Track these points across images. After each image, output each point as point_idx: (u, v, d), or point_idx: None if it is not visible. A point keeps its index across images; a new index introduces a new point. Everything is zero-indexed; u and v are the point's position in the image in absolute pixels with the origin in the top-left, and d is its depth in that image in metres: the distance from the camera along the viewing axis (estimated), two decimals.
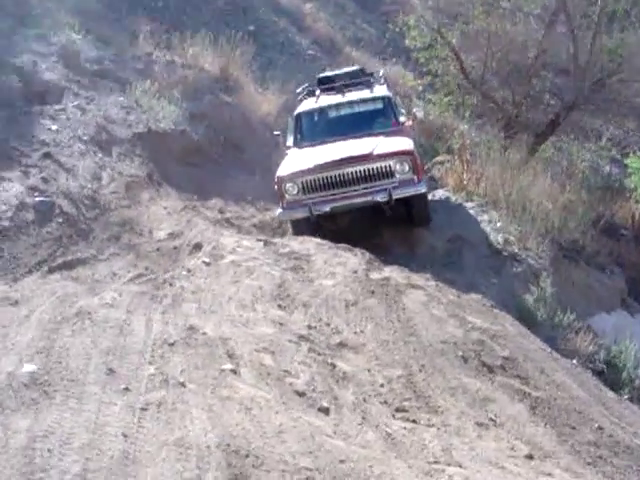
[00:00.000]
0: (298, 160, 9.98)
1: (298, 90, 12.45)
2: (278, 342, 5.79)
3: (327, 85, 11.71)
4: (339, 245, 8.76)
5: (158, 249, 8.35)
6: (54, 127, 10.82)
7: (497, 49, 15.72)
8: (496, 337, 6.72)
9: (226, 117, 14.83)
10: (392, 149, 9.67)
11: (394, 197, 9.39)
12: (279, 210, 9.78)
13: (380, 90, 11.36)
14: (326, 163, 9.49)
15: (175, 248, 8.38)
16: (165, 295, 6.66)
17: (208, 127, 14.22)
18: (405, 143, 9.93)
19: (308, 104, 11.51)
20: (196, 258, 7.92)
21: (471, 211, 11.62)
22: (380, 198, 9.41)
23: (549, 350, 7.26)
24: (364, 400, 5.28)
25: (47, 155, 9.43)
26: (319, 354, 5.82)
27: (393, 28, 17.51)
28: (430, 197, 12.87)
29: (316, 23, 28.01)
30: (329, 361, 5.74)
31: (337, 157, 9.53)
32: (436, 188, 13.50)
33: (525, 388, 5.94)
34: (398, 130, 10.56)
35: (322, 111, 11.33)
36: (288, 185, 9.50)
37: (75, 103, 12.46)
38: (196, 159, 13.22)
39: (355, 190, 9.45)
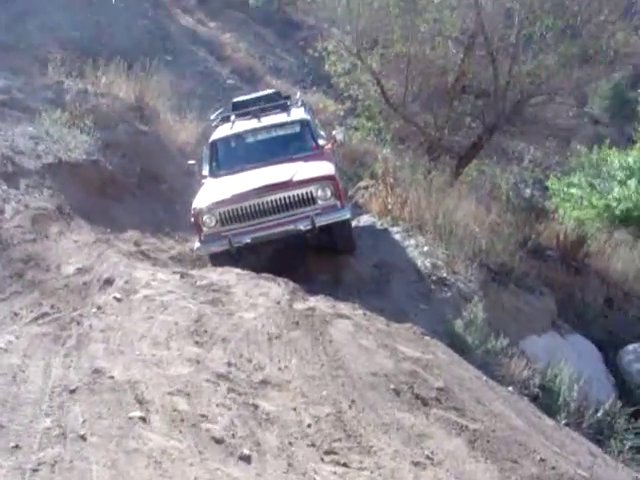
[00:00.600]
0: (214, 190, 9.50)
1: (212, 116, 12.08)
2: (194, 383, 5.27)
3: (242, 110, 11.33)
4: (261, 275, 8.30)
5: (66, 285, 7.71)
6: None
7: (417, 73, 15.66)
8: (429, 367, 6.34)
9: (142, 146, 14.27)
10: (312, 174, 9.26)
11: (317, 225, 8.98)
12: (197, 244, 9.27)
13: (297, 113, 10.99)
14: (244, 192, 9.04)
15: (85, 284, 7.75)
16: (69, 336, 6.06)
17: (123, 157, 13.63)
18: (326, 167, 9.53)
19: (222, 131, 11.05)
20: (107, 294, 7.32)
21: (397, 236, 11.34)
22: (303, 226, 8.99)
23: (484, 378, 6.92)
24: (290, 444, 4.80)
25: None
26: (240, 394, 5.32)
27: (312, 53, 17.33)
28: (355, 223, 12.57)
29: (235, 53, 27.83)
30: (251, 401, 5.24)
31: (255, 185, 9.09)
32: (360, 214, 13.25)
33: (462, 420, 5.55)
34: (318, 154, 10.20)
35: (238, 137, 10.87)
36: (205, 217, 9.03)
37: None
38: (110, 190, 12.60)
39: (276, 219, 9.03)
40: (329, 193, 9.09)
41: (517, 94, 14.41)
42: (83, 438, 4.20)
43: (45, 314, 6.87)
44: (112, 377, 5.04)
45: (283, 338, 6.42)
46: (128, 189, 13.16)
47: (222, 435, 4.56)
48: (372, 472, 4.60)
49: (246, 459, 4.39)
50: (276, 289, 7.63)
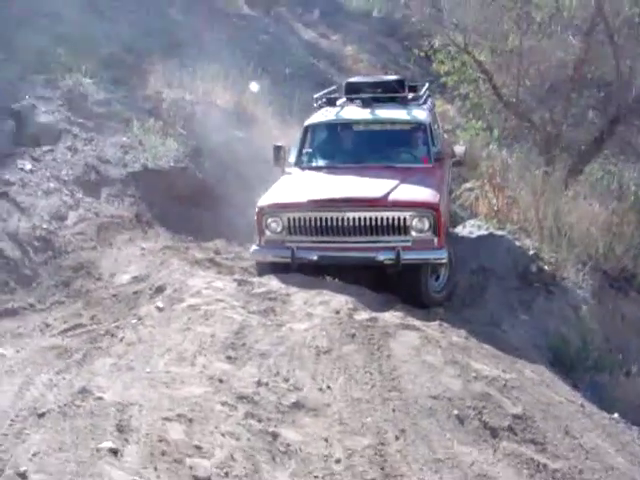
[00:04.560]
0: (291, 187, 8.15)
1: (316, 95, 10.11)
2: (204, 406, 4.42)
3: (355, 95, 9.54)
4: (331, 282, 7.41)
5: (115, 295, 7.11)
6: (28, 167, 9.84)
7: (531, 66, 14.37)
8: (507, 388, 5.23)
9: (237, 153, 13.72)
10: (412, 197, 7.60)
11: (402, 261, 7.34)
12: (254, 247, 8.00)
13: (417, 113, 9.13)
14: (322, 200, 7.56)
15: (135, 293, 7.12)
16: (79, 349, 5.38)
17: (215, 164, 13.11)
18: (430, 192, 7.73)
19: (323, 115, 9.38)
20: (153, 303, 6.62)
21: (502, 240, 10.14)
22: (384, 258, 7.41)
23: (580, 402, 5.71)
24: None
25: (3, 195, 8.36)
26: (260, 420, 4.43)
27: (418, 53, 16.31)
28: (459, 228, 11.51)
29: (356, 64, 27.14)
30: (271, 430, 4.34)
31: (337, 195, 7.58)
32: (467, 218, 12.15)
33: (540, 457, 4.44)
34: (428, 170, 8.46)
35: (338, 126, 9.29)
36: (270, 220, 7.70)
37: (68, 144, 11.59)
38: (199, 198, 12.06)
39: (354, 242, 7.53)
40: (427, 225, 7.43)
41: None
42: (23, 476, 3.41)
43: (79, 325, 6.28)
44: (100, 398, 4.23)
45: (333, 353, 5.48)
46: (220, 196, 12.59)
47: (210, 474, 3.68)
48: None
49: None
50: (340, 298, 6.64)
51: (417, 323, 6.17)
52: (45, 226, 8.13)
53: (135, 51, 17.73)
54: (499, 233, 10.37)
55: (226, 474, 3.74)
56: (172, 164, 12.19)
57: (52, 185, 9.43)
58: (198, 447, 3.93)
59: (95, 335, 5.96)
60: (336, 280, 7.79)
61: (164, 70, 16.27)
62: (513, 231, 10.32)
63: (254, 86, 14.79)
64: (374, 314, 6.24)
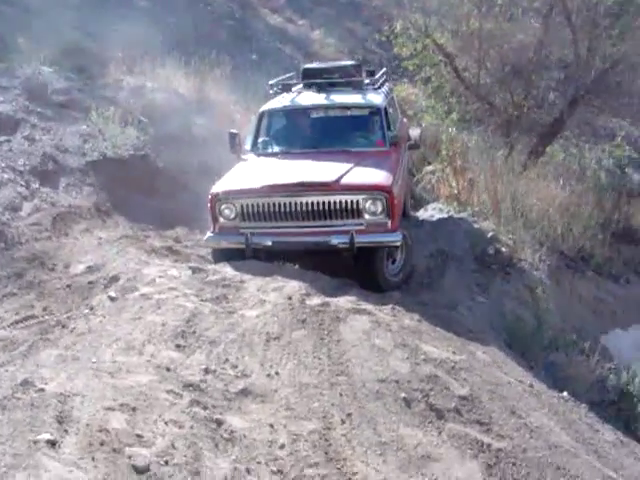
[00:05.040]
0: (244, 174, 8.10)
1: (271, 82, 10.01)
2: (149, 395, 4.40)
3: (309, 80, 9.50)
4: (288, 267, 7.41)
5: (69, 285, 7.03)
6: None
7: (492, 48, 14.42)
8: (456, 370, 5.26)
9: (197, 140, 13.62)
10: (364, 180, 7.58)
11: (356, 244, 7.32)
12: (208, 234, 7.87)
13: (373, 97, 9.07)
14: (275, 186, 7.50)
15: (90, 283, 7.05)
16: (25, 341, 5.34)
17: (176, 152, 13.00)
18: (382, 174, 7.70)
19: (278, 101, 9.37)
20: (106, 293, 6.58)
21: (460, 222, 10.20)
22: (338, 242, 7.36)
23: (529, 382, 5.76)
24: (247, 471, 3.87)
25: None
26: (205, 408, 4.42)
27: (379, 38, 16.29)
28: (421, 212, 11.57)
29: (324, 48, 27.08)
30: (215, 417, 4.33)
31: (290, 180, 7.51)
32: (428, 201, 12.20)
33: (484, 438, 4.48)
34: (383, 153, 8.41)
35: (293, 112, 9.21)
36: (223, 207, 7.64)
37: (25, 134, 11.43)
38: (160, 185, 11.95)
39: (308, 227, 7.48)
40: (380, 208, 7.40)
41: (600, 62, 12.90)
42: None
43: (30, 317, 6.21)
44: (41, 390, 4.20)
45: (283, 339, 5.48)
46: (181, 184, 12.47)
47: (148, 462, 3.66)
48: None
49: None
50: (294, 283, 6.63)
51: (369, 307, 6.18)
52: None
53: (97, 39, 17.56)
54: (458, 216, 10.42)
55: (166, 462, 3.73)
56: (132, 152, 12.08)
57: (6, 176, 9.30)
58: (139, 436, 3.92)
59: (46, 326, 5.92)
60: (296, 266, 7.82)
61: (125, 58, 16.15)
62: (472, 214, 10.38)
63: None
64: (327, 299, 6.23)
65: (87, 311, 6.22)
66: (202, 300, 6.23)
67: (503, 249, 9.04)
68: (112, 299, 6.34)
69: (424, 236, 9.70)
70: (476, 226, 9.86)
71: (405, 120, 12.12)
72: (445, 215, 10.77)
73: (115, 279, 6.99)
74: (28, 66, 13.33)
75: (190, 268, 7.30)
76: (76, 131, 12.27)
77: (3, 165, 9.81)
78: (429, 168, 12.80)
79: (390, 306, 6.42)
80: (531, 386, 5.67)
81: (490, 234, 9.49)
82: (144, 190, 11.73)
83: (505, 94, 14.42)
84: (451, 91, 14.87)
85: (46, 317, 6.23)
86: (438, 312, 7.04)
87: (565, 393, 6.09)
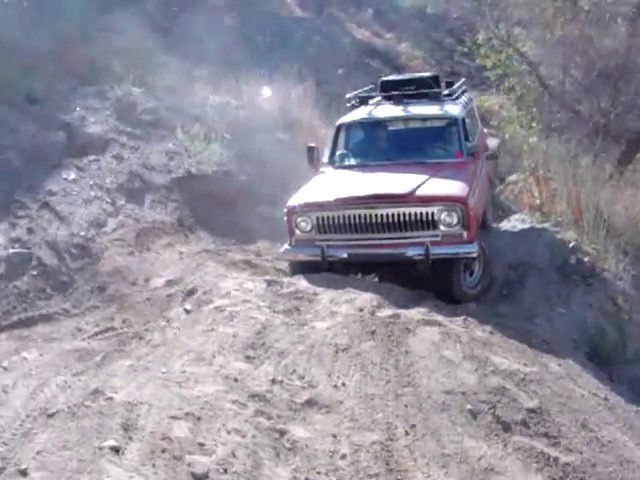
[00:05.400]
0: (321, 186, 8.16)
1: (348, 95, 10.10)
2: (215, 405, 4.49)
3: (387, 93, 9.54)
4: (362, 280, 7.45)
5: (148, 299, 7.28)
6: (72, 177, 10.11)
7: (578, 55, 14.13)
8: (525, 382, 5.17)
9: (280, 155, 13.82)
10: (440, 191, 7.51)
11: (431, 256, 7.28)
12: (285, 246, 8.00)
13: (451, 108, 8.99)
14: (349, 198, 7.53)
15: (169, 296, 7.28)
16: (101, 352, 5.53)
17: (259, 167, 13.22)
18: (458, 186, 7.66)
19: (356, 114, 9.38)
20: (183, 306, 6.76)
21: (543, 233, 10.00)
22: (413, 254, 7.35)
23: (604, 395, 5.61)
24: None
25: (45, 205, 8.62)
26: (269, 418, 4.49)
27: (461, 49, 16.17)
28: (505, 222, 11.40)
29: (411, 61, 27.03)
30: (279, 427, 4.40)
31: (364, 193, 7.52)
32: (512, 211, 12.01)
33: (551, 451, 4.39)
34: (460, 164, 8.36)
35: (370, 125, 9.26)
36: (300, 220, 7.73)
37: (114, 153, 11.87)
38: (242, 201, 12.18)
39: (383, 239, 7.47)
40: (455, 219, 7.32)
41: None
42: (23, 473, 3.55)
43: (110, 329, 6.45)
44: (110, 398, 4.35)
45: (352, 350, 5.51)
46: (263, 199, 12.70)
47: (208, 470, 3.75)
48: None
49: None
50: (366, 295, 6.64)
51: (440, 319, 6.14)
52: (83, 233, 8.34)
53: (186, 58, 18.01)
54: (540, 226, 10.23)
55: (225, 470, 3.81)
56: (215, 169, 12.36)
57: (93, 193, 9.67)
58: (201, 444, 4.01)
59: (124, 338, 6.14)
60: (375, 279, 7.87)
61: (210, 75, 16.55)
62: (555, 224, 10.16)
63: (267, 91, 14.85)
64: (397, 311, 6.22)
65: (164, 323, 6.41)
66: (274, 312, 6.32)
67: (585, 259, 8.82)
68: (187, 311, 6.52)
69: (504, 247, 9.56)
70: (558, 236, 9.64)
71: (485, 131, 12.00)
72: (527, 226, 10.59)
73: (192, 292, 7.18)
74: (119, 88, 13.80)
75: (265, 281, 7.42)
76: (162, 149, 12.62)
77: (91, 183, 10.21)
78: (512, 178, 12.61)
79: (462, 317, 6.37)
80: (606, 399, 5.52)
81: (572, 244, 9.27)
82: (227, 205, 11.98)
83: (592, 101, 14.08)
84: (535, 100, 14.62)
85: (125, 329, 6.46)
86: (514, 324, 6.94)
87: None
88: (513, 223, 11.26)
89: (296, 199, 7.96)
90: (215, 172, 12.26)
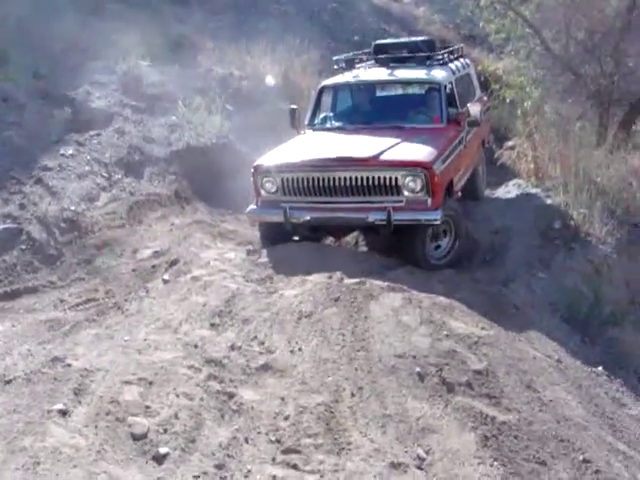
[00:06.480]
0: (293, 148, 8.12)
1: (335, 57, 10.04)
2: (169, 370, 4.72)
3: (378, 56, 9.54)
4: (341, 248, 7.61)
5: (134, 270, 7.48)
6: (70, 152, 10.31)
7: (579, 15, 13.98)
8: (477, 345, 5.33)
9: (281, 125, 13.92)
10: (405, 156, 7.42)
11: (393, 221, 7.19)
12: (251, 206, 7.96)
13: (437, 73, 8.94)
14: (314, 160, 7.52)
15: (153, 267, 7.47)
16: (67, 322, 5.77)
17: (260, 137, 13.34)
18: (425, 151, 7.56)
19: (340, 77, 9.41)
20: (163, 276, 6.99)
21: (533, 198, 10.07)
22: (374, 219, 7.28)
23: (557, 357, 5.74)
24: (245, 440, 4.13)
25: (38, 180, 8.84)
26: (221, 382, 4.71)
27: (465, 13, 16.06)
28: (502, 189, 11.45)
29: (429, 25, 26.79)
30: (228, 390, 4.62)
31: (329, 155, 7.51)
32: (509, 177, 12.05)
33: (490, 411, 4.55)
34: (436, 130, 8.31)
35: (352, 88, 9.29)
36: (265, 180, 7.69)
37: (116, 127, 11.99)
38: (240, 172, 12.31)
39: (346, 202, 7.41)
40: (419, 185, 7.23)
41: None
42: None
43: (92, 300, 6.67)
44: (68, 365, 4.60)
45: (314, 317, 5.68)
46: None
47: (147, 430, 3.98)
48: (322, 476, 3.81)
49: (158, 459, 3.79)
50: (339, 263, 6.81)
51: (407, 286, 6.28)
52: (73, 208, 8.55)
53: (196, 30, 18.06)
54: (532, 191, 10.29)
55: (165, 430, 4.04)
56: (215, 140, 12.47)
57: (88, 168, 9.85)
58: (147, 407, 4.24)
59: (103, 308, 6.36)
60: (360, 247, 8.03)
61: (215, 48, 16.58)
62: (546, 188, 10.21)
63: (270, 80, 14.89)
64: (364, 278, 6.37)
65: (143, 294, 6.63)
66: (247, 281, 6.52)
67: (571, 223, 8.88)
68: (165, 281, 6.75)
69: (493, 213, 9.68)
70: (548, 201, 9.71)
71: (485, 98, 11.98)
72: (520, 191, 10.66)
73: (174, 263, 7.38)
74: (126, 62, 13.91)
75: (246, 250, 7.61)
76: (165, 122, 12.74)
77: (89, 158, 10.38)
78: (509, 143, 12.63)
79: (431, 283, 6.51)
80: (559, 361, 5.66)
81: (560, 208, 9.33)
82: (226, 176, 12.10)
83: (594, 64, 13.96)
84: (536, 64, 14.52)
85: (106, 300, 6.67)
86: (487, 288, 7.07)
87: (600, 368, 6.03)
88: (509, 188, 11.34)
89: (264, 159, 7.97)
90: (214, 144, 12.36)
